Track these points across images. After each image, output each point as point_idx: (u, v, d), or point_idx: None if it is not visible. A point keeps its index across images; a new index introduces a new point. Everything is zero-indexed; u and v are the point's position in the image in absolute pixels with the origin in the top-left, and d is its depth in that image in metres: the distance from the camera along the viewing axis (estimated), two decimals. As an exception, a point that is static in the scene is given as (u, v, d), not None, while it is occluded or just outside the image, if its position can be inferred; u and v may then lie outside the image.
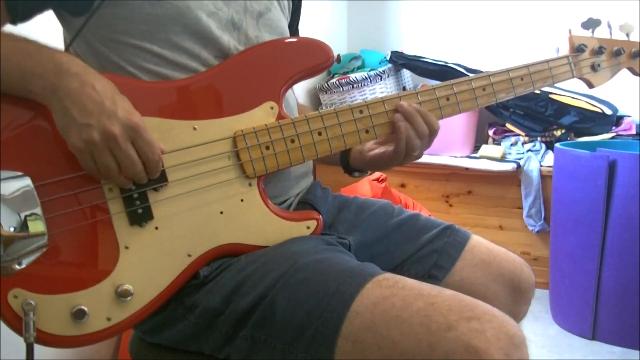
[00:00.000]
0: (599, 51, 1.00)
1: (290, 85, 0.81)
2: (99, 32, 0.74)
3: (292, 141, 0.77)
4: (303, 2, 0.99)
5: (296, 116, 0.79)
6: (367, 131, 0.81)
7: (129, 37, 0.73)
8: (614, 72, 1.03)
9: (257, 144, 0.75)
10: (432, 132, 0.83)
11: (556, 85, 1.00)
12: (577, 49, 0.99)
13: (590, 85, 1.02)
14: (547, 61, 0.96)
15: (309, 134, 0.78)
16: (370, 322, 0.62)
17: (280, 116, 0.77)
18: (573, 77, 0.99)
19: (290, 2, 0.94)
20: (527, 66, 0.93)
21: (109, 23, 0.73)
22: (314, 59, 0.80)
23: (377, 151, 0.89)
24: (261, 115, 0.77)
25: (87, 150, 0.62)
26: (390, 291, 0.64)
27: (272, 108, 0.77)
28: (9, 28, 0.71)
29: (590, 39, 1.00)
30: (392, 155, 0.84)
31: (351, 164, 0.93)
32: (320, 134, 0.78)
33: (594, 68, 1.00)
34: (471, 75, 0.88)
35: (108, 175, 0.64)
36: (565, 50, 1.00)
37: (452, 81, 0.86)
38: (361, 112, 0.81)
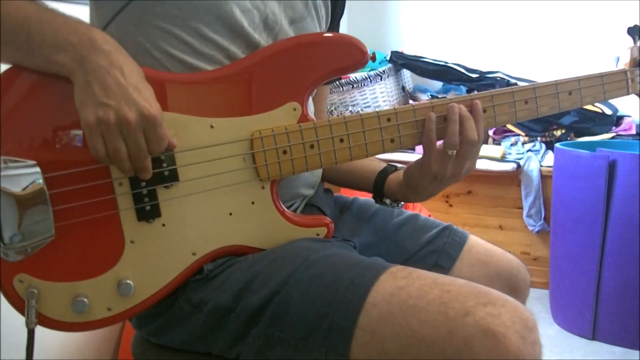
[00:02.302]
0: None
1: (318, 85, 0.76)
2: (130, 11, 0.73)
3: (312, 147, 0.73)
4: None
5: (319, 120, 0.75)
6: (392, 140, 0.76)
7: (159, 20, 0.72)
8: None
9: (274, 147, 0.72)
10: (480, 140, 0.77)
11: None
12: (639, 63, 0.88)
13: None
14: (602, 75, 0.85)
15: (330, 140, 0.74)
16: (388, 312, 0.62)
17: (303, 118, 0.74)
18: (628, 94, 0.89)
19: (329, 2, 0.89)
20: (577, 80, 0.83)
21: (142, 3, 0.72)
22: (348, 58, 0.75)
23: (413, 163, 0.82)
24: (282, 117, 0.73)
25: (98, 129, 0.62)
26: (405, 281, 0.64)
27: (294, 109, 0.73)
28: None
29: None
30: (423, 157, 0.78)
31: (385, 190, 0.89)
32: (342, 140, 0.74)
33: None
34: (514, 86, 0.80)
35: (116, 159, 0.64)
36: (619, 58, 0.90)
37: (492, 92, 0.79)
38: (389, 120, 0.76)
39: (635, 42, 0.89)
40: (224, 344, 0.71)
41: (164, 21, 0.72)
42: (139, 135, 0.63)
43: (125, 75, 0.63)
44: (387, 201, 0.91)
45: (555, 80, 0.82)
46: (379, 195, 0.91)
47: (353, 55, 0.75)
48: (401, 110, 0.76)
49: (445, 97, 0.79)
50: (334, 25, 0.93)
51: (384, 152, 0.76)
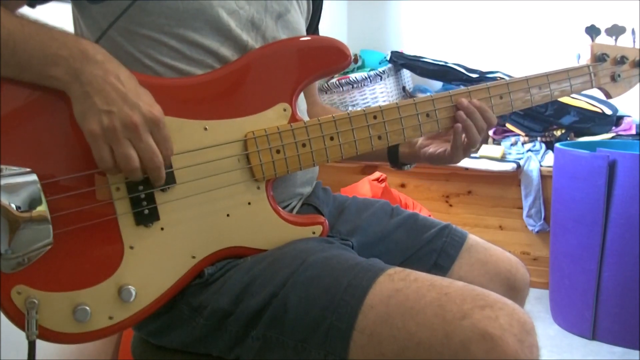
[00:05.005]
0: (620, 61, 0.95)
1: (305, 86, 0.78)
2: (118, 23, 0.73)
3: (304, 145, 0.76)
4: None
5: (309, 119, 0.77)
6: (379, 137, 0.79)
7: (146, 30, 0.72)
8: (634, 83, 0.98)
9: (268, 147, 0.74)
10: (490, 126, 0.84)
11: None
12: (599, 58, 0.94)
13: (608, 96, 0.97)
14: (567, 70, 0.91)
15: (321, 138, 0.76)
16: (386, 315, 0.62)
17: (293, 119, 0.76)
18: (592, 87, 0.94)
19: (310, 2, 0.93)
20: (546, 75, 0.89)
21: (127, 13, 0.72)
22: (331, 60, 0.78)
23: (432, 150, 0.90)
24: (273, 117, 0.75)
25: (104, 138, 0.61)
26: (402, 284, 0.64)
27: (285, 110, 0.76)
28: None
29: (612, 48, 0.95)
30: (452, 151, 0.86)
31: (400, 159, 0.95)
32: (332, 138, 0.77)
33: (613, 78, 0.95)
34: (489, 82, 0.85)
35: (127, 165, 0.63)
36: (584, 57, 0.96)
37: (470, 88, 0.83)
38: (375, 117, 0.79)
39: (592, 40, 0.95)
40: (223, 345, 0.71)
41: (151, 30, 0.72)
42: (147, 137, 0.63)
43: (123, 81, 0.63)
44: (405, 167, 0.98)
45: (527, 76, 0.88)
46: (395, 163, 0.97)
47: (337, 57, 0.78)
48: (386, 107, 0.80)
49: (428, 95, 0.84)
50: (313, 23, 0.95)
51: (372, 149, 0.79)
